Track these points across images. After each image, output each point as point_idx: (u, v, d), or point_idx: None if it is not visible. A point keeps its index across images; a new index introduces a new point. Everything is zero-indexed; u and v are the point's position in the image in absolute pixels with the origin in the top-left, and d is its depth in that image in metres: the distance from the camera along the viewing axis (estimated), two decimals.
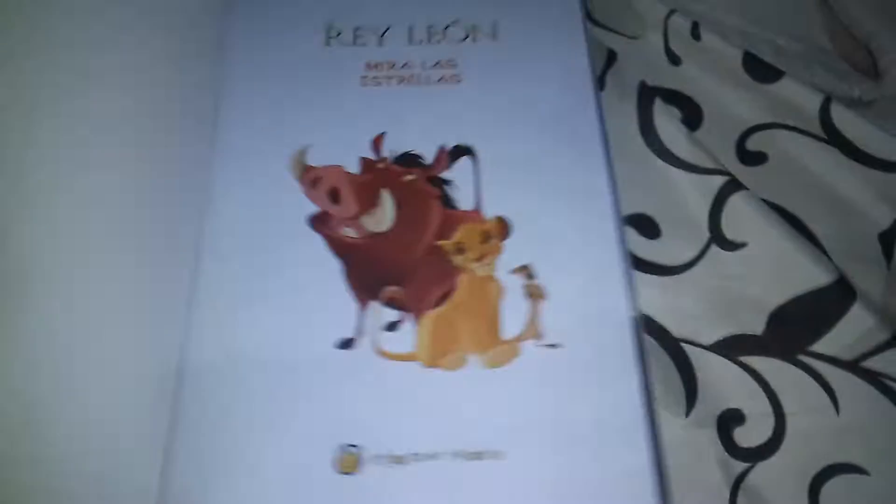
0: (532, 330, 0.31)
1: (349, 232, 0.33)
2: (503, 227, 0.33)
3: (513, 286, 0.32)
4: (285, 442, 0.28)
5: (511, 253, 0.32)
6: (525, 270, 0.32)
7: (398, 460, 0.28)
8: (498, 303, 0.31)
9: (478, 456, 0.28)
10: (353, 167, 0.34)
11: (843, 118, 0.38)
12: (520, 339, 0.31)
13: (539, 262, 0.32)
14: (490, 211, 0.33)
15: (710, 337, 0.34)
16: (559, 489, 0.28)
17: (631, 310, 0.31)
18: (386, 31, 0.38)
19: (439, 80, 0.36)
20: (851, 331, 0.33)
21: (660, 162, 0.37)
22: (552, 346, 0.30)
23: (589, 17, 0.40)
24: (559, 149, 0.35)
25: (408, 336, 0.31)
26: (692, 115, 0.40)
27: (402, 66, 0.37)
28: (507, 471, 0.28)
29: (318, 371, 0.29)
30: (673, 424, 0.32)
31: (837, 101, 0.38)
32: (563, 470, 0.28)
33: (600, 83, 0.39)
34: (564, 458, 0.28)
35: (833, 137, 0.38)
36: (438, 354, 0.30)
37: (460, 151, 0.34)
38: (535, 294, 0.31)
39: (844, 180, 0.37)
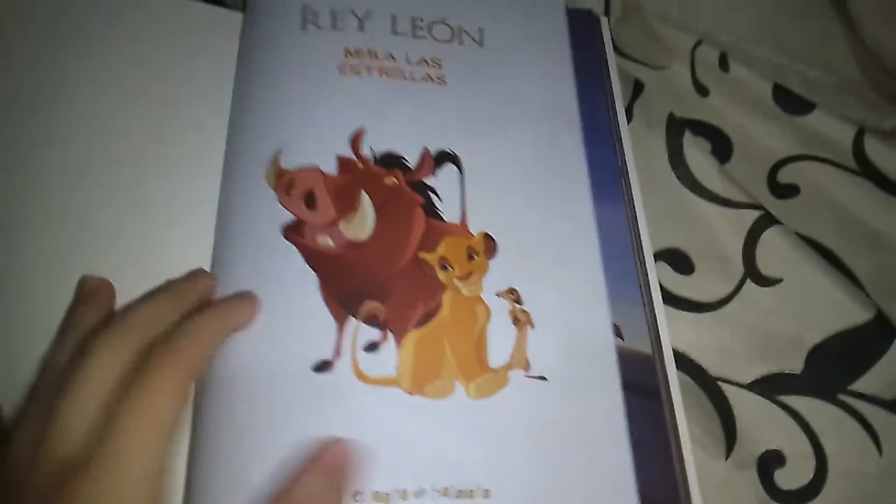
0: (519, 359, 0.29)
1: (325, 241, 0.30)
2: (490, 245, 0.31)
3: (497, 310, 0.30)
4: (257, 473, 0.25)
5: (495, 273, 0.31)
6: (513, 294, 0.30)
7: (381, 498, 0.26)
8: (486, 327, 0.30)
9: (464, 494, 0.26)
10: (331, 167, 0.31)
11: (877, 150, 0.38)
12: (507, 368, 0.29)
13: (523, 285, 0.31)
14: (475, 226, 0.32)
15: (748, 375, 0.33)
16: None
17: (612, 340, 0.30)
18: (367, 16, 0.35)
19: (423, 79, 0.34)
20: (892, 369, 0.33)
21: (691, 195, 0.37)
22: (541, 377, 0.29)
23: (615, 47, 0.40)
24: (544, 171, 0.33)
25: (389, 358, 0.28)
26: (722, 147, 0.39)
27: (385, 58, 0.34)
28: None
29: (293, 396, 0.27)
30: (713, 467, 0.32)
31: (871, 133, 0.38)
32: None
33: (628, 114, 0.39)
34: (551, 500, 0.27)
35: (867, 170, 0.38)
36: (421, 380, 0.28)
37: (446, 157, 0.32)
38: (522, 320, 0.30)
39: (879, 214, 0.37)
